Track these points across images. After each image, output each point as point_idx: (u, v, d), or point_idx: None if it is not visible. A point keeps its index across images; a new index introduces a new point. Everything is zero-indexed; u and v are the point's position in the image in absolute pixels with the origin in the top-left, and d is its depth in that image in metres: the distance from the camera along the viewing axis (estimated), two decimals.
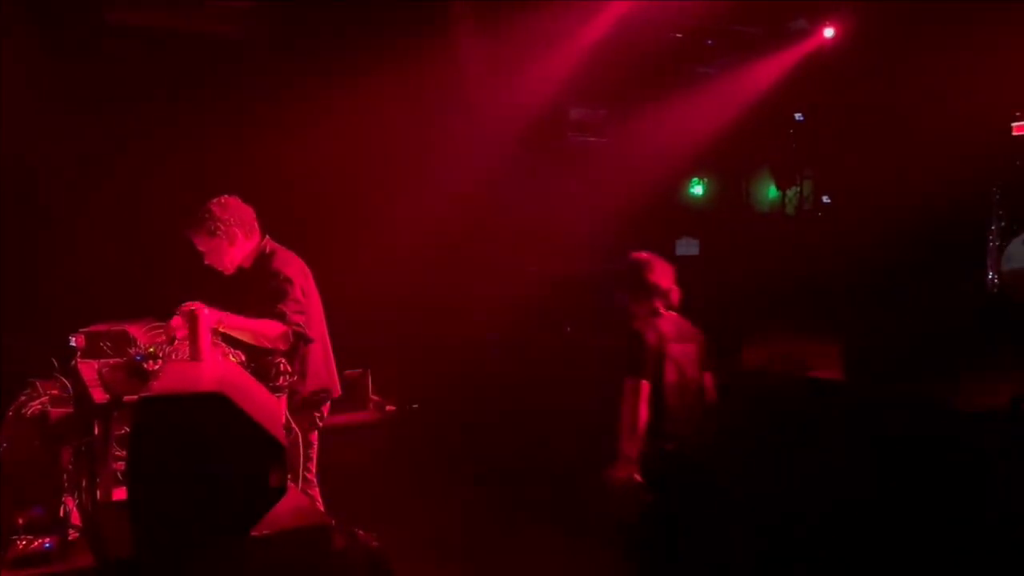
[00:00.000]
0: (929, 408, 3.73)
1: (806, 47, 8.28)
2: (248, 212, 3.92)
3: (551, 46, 7.63)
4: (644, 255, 4.00)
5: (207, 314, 2.82)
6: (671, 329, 3.76)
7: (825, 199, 8.60)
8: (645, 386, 3.58)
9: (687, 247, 8.55)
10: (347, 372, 6.11)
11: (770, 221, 8.96)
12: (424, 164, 7.28)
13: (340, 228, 6.57)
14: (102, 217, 5.89)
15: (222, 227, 3.80)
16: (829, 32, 8.18)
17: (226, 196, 3.90)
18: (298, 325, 3.59)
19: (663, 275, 3.92)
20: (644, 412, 3.55)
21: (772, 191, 9.10)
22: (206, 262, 3.90)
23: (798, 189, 8.76)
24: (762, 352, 4.69)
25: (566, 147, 8.00)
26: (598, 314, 6.35)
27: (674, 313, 3.87)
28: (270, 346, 3.49)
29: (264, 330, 3.50)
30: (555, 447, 5.68)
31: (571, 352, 5.94)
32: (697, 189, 9.08)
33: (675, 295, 3.90)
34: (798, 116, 8.59)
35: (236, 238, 3.84)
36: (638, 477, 3.50)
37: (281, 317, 3.56)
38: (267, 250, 3.91)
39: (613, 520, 3.73)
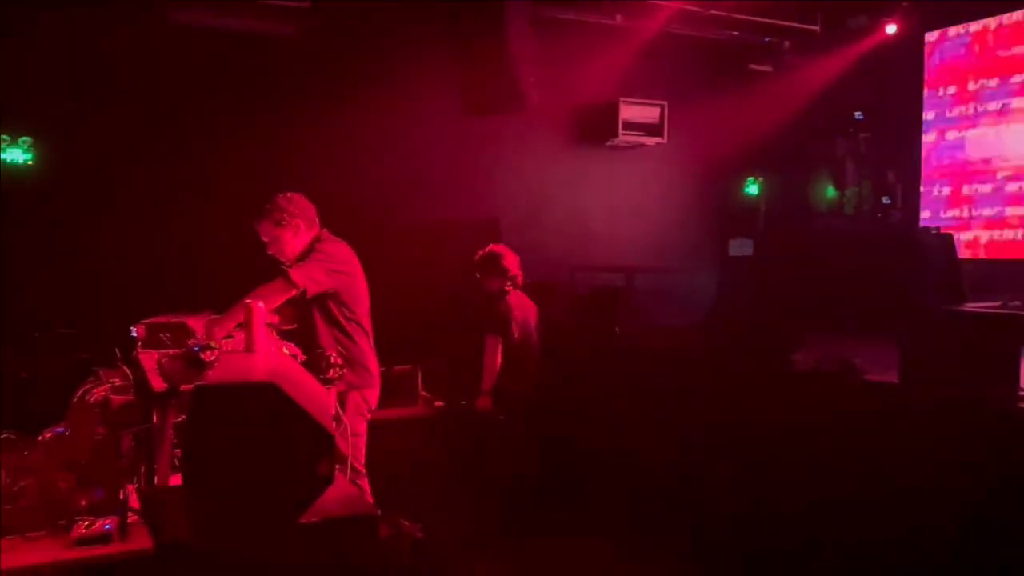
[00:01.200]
0: (991, 413, 3.64)
1: (866, 44, 8.13)
2: (310, 207, 4.15)
3: (605, 42, 7.65)
4: (499, 247, 5.41)
5: (261, 308, 2.93)
6: (517, 303, 5.33)
7: (885, 200, 8.43)
8: (500, 342, 5.11)
9: (741, 247, 8.47)
10: (396, 368, 6.26)
11: (827, 221, 8.82)
12: (477, 161, 7.37)
13: (393, 223, 6.70)
14: (163, 214, 6.11)
15: (286, 218, 4.03)
16: (891, 29, 8.02)
17: (291, 192, 4.12)
18: (286, 273, 3.79)
19: (512, 263, 5.40)
20: (499, 361, 5.10)
21: (830, 191, 8.96)
22: (269, 252, 4.12)
23: (857, 189, 8.61)
24: (812, 354, 4.64)
25: (618, 145, 7.99)
26: (649, 315, 6.35)
27: (519, 291, 5.41)
28: (271, 302, 3.63)
29: (268, 284, 3.69)
30: (601, 448, 5.69)
31: (621, 354, 5.94)
32: (752, 188, 8.98)
33: (520, 278, 5.42)
34: (858, 115, 8.44)
35: (299, 229, 4.07)
36: (491, 406, 5.07)
37: (288, 275, 3.78)
38: (322, 238, 4.09)
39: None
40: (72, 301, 5.48)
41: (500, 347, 5.13)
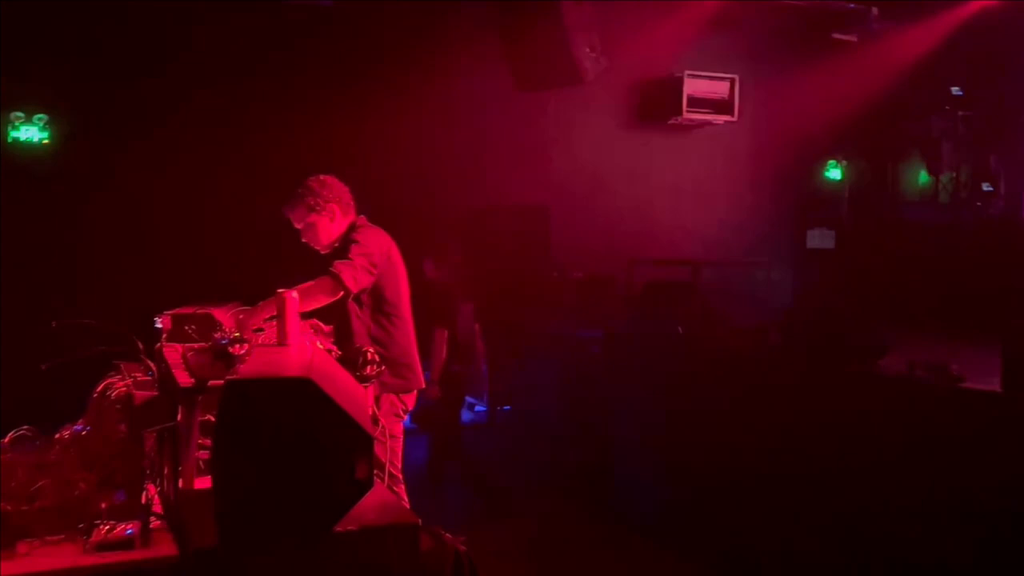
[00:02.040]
0: None
1: (966, 10, 7.93)
2: (345, 190, 4.19)
3: (668, 9, 7.59)
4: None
5: (295, 298, 2.96)
6: (459, 296, 5.97)
7: (985, 187, 8.22)
8: (447, 333, 5.74)
9: (821, 239, 8.35)
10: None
11: (919, 210, 8.64)
12: (526, 142, 7.38)
13: (433, 210, 6.74)
14: (188, 199, 6.23)
15: (320, 203, 4.08)
16: None
17: (324, 175, 4.15)
18: (336, 271, 3.78)
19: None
20: (445, 350, 5.72)
21: (923, 176, 8.76)
22: (303, 239, 4.17)
23: (953, 175, 8.40)
24: (904, 358, 4.56)
25: (683, 125, 7.92)
26: (717, 314, 6.30)
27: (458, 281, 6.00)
28: (315, 302, 3.70)
29: (305, 286, 3.69)
30: (663, 459, 5.66)
31: (685, 356, 5.90)
32: (834, 173, 8.83)
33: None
34: (955, 90, 8.22)
35: (334, 215, 4.12)
36: (439, 393, 5.67)
37: (329, 270, 3.78)
38: (358, 224, 4.12)
39: None
40: (91, 289, 5.62)
41: (446, 337, 5.74)
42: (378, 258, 4.03)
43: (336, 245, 4.14)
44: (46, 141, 6.00)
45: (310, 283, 3.76)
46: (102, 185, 6.05)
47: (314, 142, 6.30)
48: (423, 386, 4.35)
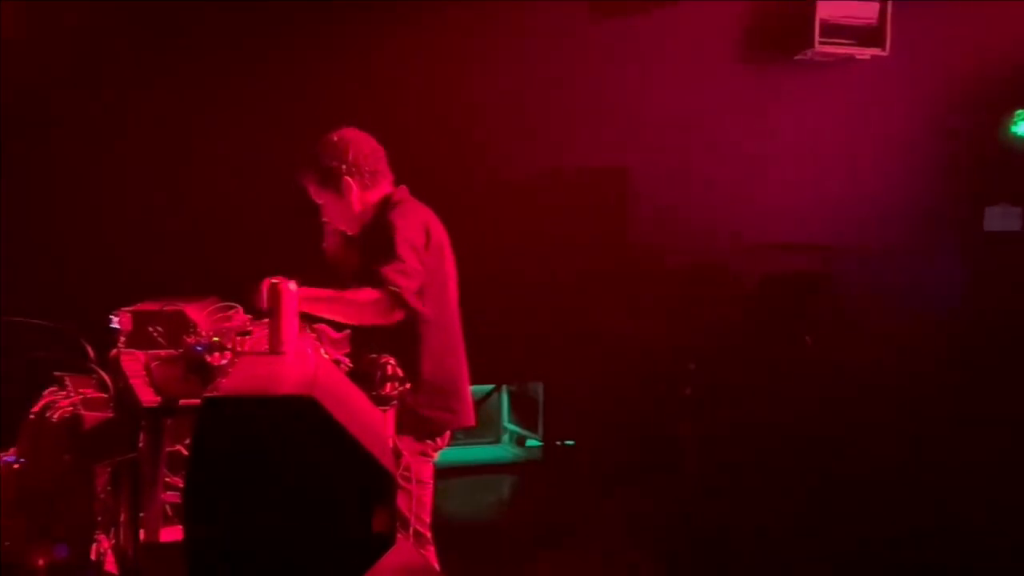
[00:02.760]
0: None
1: None
2: (378, 152, 4.17)
3: None
4: None
5: (294, 290, 2.97)
6: None
7: None
8: None
9: (1004, 219, 8.18)
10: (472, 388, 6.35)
11: None
12: (600, 85, 7.35)
13: (480, 178, 6.77)
14: (153, 165, 6.30)
15: (343, 171, 4.07)
16: None
17: (348, 128, 4.16)
18: (395, 286, 3.76)
19: None
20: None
21: None
22: (324, 218, 4.21)
23: None
24: None
25: (814, 61, 7.82)
26: (858, 315, 6.24)
27: None
28: (359, 321, 3.75)
29: (351, 297, 3.72)
30: (774, 509, 5.63)
31: (814, 372, 5.86)
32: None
33: None
34: None
35: (362, 186, 4.12)
36: None
37: (375, 277, 3.76)
38: (393, 200, 4.12)
39: None
40: (26, 276, 5.72)
41: None
42: (422, 244, 4.01)
43: (367, 226, 4.14)
44: None
45: (350, 295, 3.75)
46: (40, 142, 6.16)
47: (321, 88, 6.35)
48: (471, 423, 4.31)
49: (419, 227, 4.07)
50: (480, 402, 6.75)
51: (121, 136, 6.23)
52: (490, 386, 7.12)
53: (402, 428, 3.87)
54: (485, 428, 7.18)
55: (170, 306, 3.47)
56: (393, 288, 3.77)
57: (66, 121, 6.13)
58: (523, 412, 7.14)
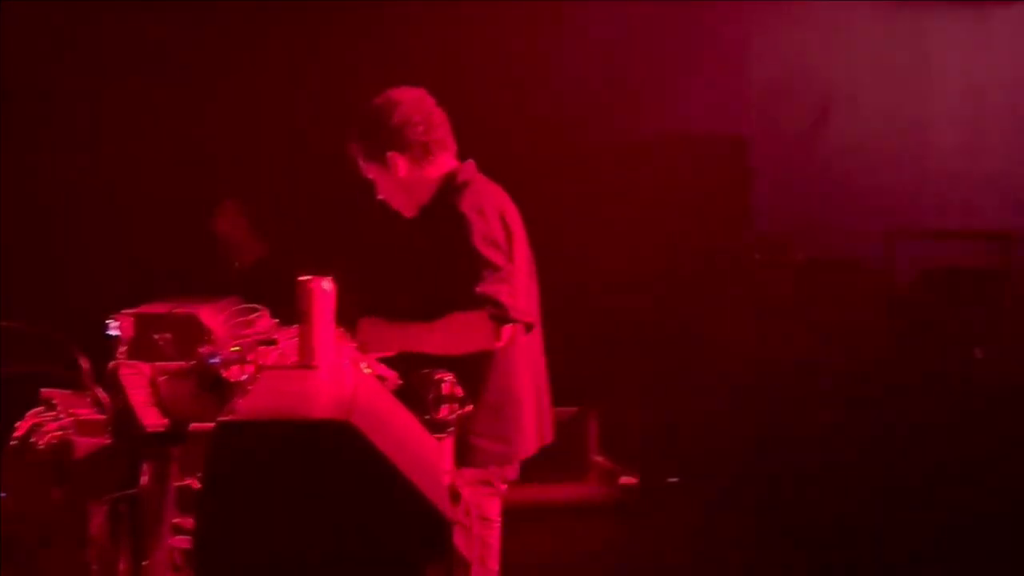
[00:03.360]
0: None
1: None
2: (430, 115, 4.18)
3: None
4: None
5: (328, 291, 3.02)
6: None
7: None
8: None
9: None
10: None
11: None
12: (715, 27, 7.32)
13: (562, 148, 6.79)
14: (166, 142, 6.44)
15: (385, 140, 4.12)
16: None
17: (400, 88, 4.19)
18: (498, 305, 3.81)
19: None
20: None
21: None
22: (379, 197, 4.27)
23: None
24: None
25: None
26: None
27: None
28: (461, 350, 3.80)
29: (449, 327, 3.79)
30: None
31: (979, 394, 5.81)
32: None
33: None
34: None
35: (413, 159, 4.15)
36: None
37: (469, 294, 3.81)
38: (458, 181, 4.17)
39: None
40: (11, 274, 5.85)
41: None
42: (495, 248, 4.04)
43: (427, 211, 4.20)
44: None
45: (446, 324, 3.83)
46: (35, 119, 6.34)
47: (366, 46, 6.44)
48: (528, 454, 4.33)
49: (496, 217, 4.08)
50: (560, 430, 6.75)
51: (124, 115, 6.38)
52: (572, 408, 7.12)
53: (461, 458, 3.95)
54: (567, 461, 7.18)
55: (180, 308, 3.45)
56: (497, 307, 3.82)
57: (63, 103, 6.31)
58: (615, 441, 7.12)
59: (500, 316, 3.79)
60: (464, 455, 3.99)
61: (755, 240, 7.28)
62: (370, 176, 4.20)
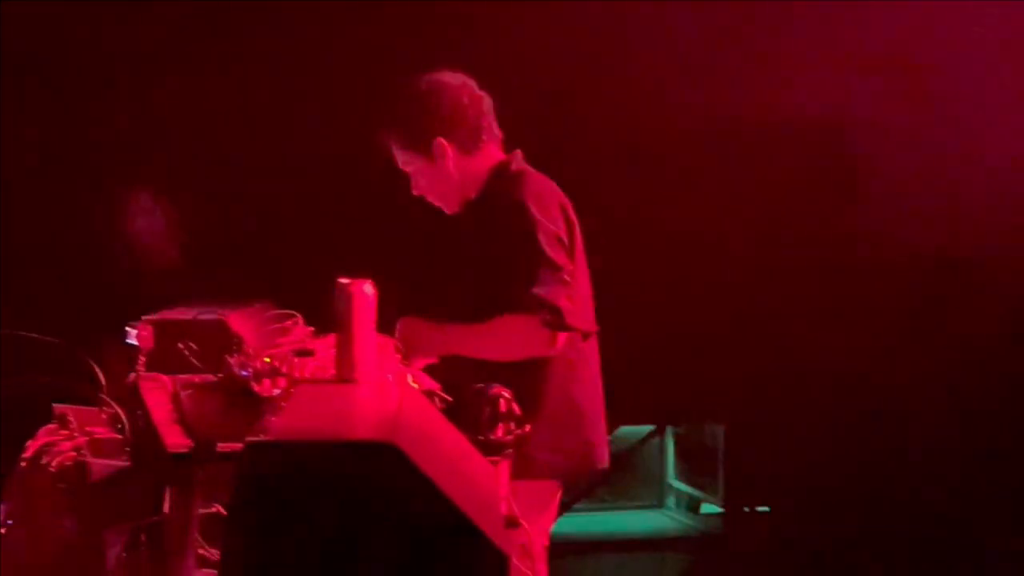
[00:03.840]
0: None
1: None
2: (478, 100, 4.31)
3: None
4: None
5: (371, 295, 3.06)
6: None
7: None
8: None
9: None
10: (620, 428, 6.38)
11: None
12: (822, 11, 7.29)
13: (630, 134, 6.80)
14: (182, 131, 6.53)
15: (432, 126, 4.18)
16: None
17: (443, 71, 4.30)
18: (555, 307, 3.84)
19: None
20: None
21: None
22: (415, 192, 4.35)
23: None
24: None
25: None
26: None
27: None
28: (510, 356, 3.90)
29: (499, 331, 3.88)
30: None
31: None
32: None
33: None
34: None
35: (462, 148, 4.25)
36: None
37: (524, 296, 3.87)
38: (511, 170, 4.21)
39: None
40: (20, 277, 5.95)
41: None
42: (559, 246, 4.08)
43: (474, 205, 4.28)
44: None
45: (495, 326, 3.94)
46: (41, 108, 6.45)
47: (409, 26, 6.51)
48: (604, 464, 4.39)
49: (558, 210, 4.16)
50: (632, 450, 6.77)
51: (142, 108, 6.50)
52: (647, 427, 7.13)
53: (518, 472, 3.98)
54: (642, 487, 7.19)
55: (207, 314, 3.49)
56: (554, 312, 3.90)
57: (70, 95, 6.43)
58: (695, 465, 7.14)
59: (556, 323, 3.84)
60: (522, 468, 4.03)
61: (862, 239, 7.21)
62: (409, 169, 4.28)
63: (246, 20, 6.58)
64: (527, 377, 4.05)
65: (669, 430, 7.09)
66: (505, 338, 3.89)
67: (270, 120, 6.43)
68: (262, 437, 2.53)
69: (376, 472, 2.39)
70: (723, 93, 7.00)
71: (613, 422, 4.90)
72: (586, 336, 4.06)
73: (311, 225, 6.08)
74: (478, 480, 2.85)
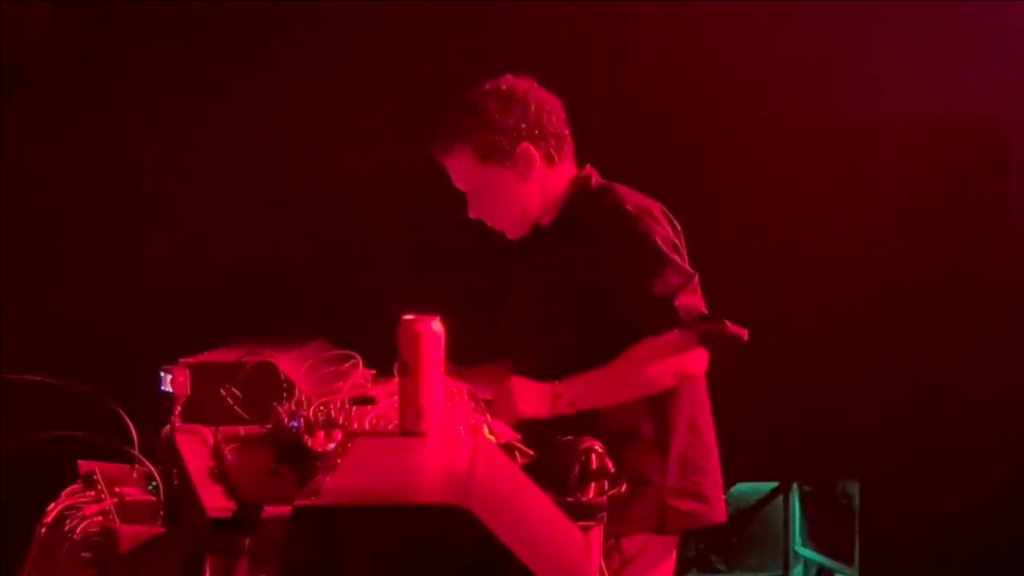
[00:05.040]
0: None
1: None
2: (558, 105, 4.30)
3: None
4: None
5: (439, 333, 3.07)
6: None
7: None
8: None
9: None
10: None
11: None
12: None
13: (731, 146, 6.81)
14: (217, 157, 6.63)
15: (521, 130, 4.20)
16: None
17: (513, 76, 4.34)
18: (704, 319, 3.86)
19: None
20: None
21: None
22: (473, 215, 4.38)
23: None
24: None
25: None
26: None
27: None
28: (670, 382, 4.01)
29: (641, 360, 3.95)
30: None
31: None
32: None
33: None
34: None
35: (547, 157, 4.22)
36: None
37: (664, 311, 3.91)
38: (595, 183, 4.23)
39: None
40: (46, 314, 6.03)
41: None
42: (675, 254, 4.12)
43: (558, 222, 4.31)
44: None
45: (636, 355, 3.98)
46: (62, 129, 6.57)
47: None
48: (723, 518, 4.39)
49: (666, 219, 4.19)
50: (752, 511, 6.75)
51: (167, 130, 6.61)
52: (770, 484, 7.12)
53: (642, 524, 3.99)
54: (763, 554, 7.18)
55: (252, 356, 3.55)
56: (706, 321, 3.97)
57: (96, 118, 6.57)
58: (826, 528, 7.10)
59: (717, 333, 3.85)
60: (648, 520, 4.04)
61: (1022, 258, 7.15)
62: (467, 187, 4.32)
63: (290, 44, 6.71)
64: (657, 413, 4.08)
65: (795, 487, 7.02)
66: (658, 366, 3.89)
67: (319, 139, 6.50)
68: (315, 500, 2.52)
69: (446, 540, 2.38)
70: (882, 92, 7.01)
71: (729, 478, 4.90)
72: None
73: (370, 256, 6.10)
74: (566, 549, 2.84)
